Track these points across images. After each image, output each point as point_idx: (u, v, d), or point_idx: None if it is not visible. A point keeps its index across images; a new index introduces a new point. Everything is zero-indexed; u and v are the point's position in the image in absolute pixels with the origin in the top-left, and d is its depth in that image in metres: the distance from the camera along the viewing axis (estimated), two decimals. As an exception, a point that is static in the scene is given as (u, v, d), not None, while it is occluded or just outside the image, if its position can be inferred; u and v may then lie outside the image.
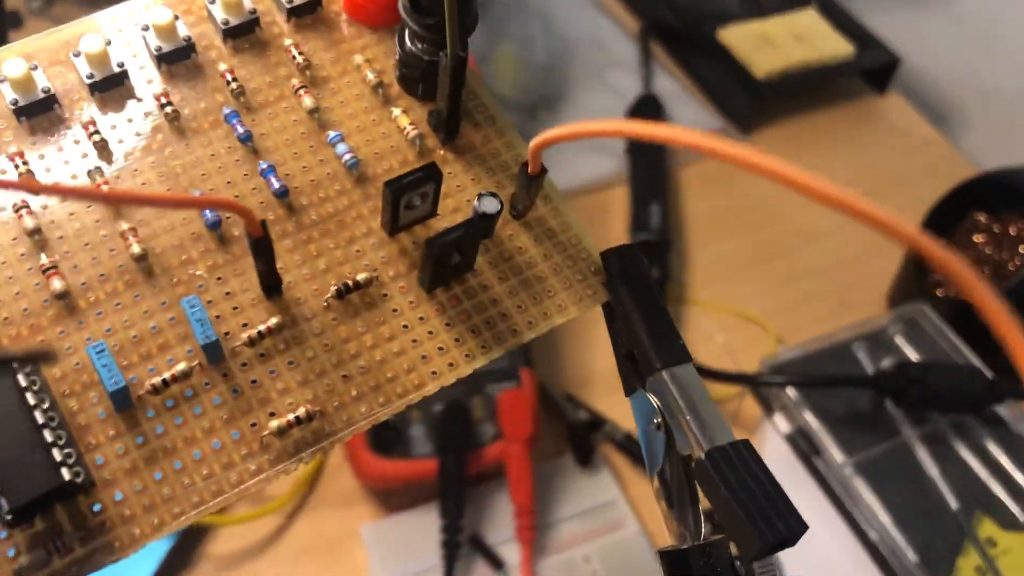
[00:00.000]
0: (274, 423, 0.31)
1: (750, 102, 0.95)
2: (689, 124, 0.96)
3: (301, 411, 0.31)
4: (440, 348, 0.33)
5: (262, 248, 0.30)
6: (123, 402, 0.30)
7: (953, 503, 0.69)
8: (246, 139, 0.35)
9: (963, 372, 0.72)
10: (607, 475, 0.72)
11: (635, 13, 1.05)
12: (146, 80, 0.36)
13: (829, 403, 0.73)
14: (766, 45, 0.98)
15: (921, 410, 0.72)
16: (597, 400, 0.75)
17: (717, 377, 0.74)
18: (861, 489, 0.69)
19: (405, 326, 0.33)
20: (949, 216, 0.83)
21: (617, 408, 0.75)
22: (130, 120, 0.35)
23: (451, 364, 0.33)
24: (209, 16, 0.37)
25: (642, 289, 0.34)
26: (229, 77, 0.36)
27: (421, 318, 0.33)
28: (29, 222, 0.32)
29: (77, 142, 0.34)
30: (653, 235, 0.85)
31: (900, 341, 0.77)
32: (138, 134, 0.35)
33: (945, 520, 0.69)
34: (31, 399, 0.29)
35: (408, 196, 0.32)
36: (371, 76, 0.37)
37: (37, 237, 0.32)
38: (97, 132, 0.34)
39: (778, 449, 0.74)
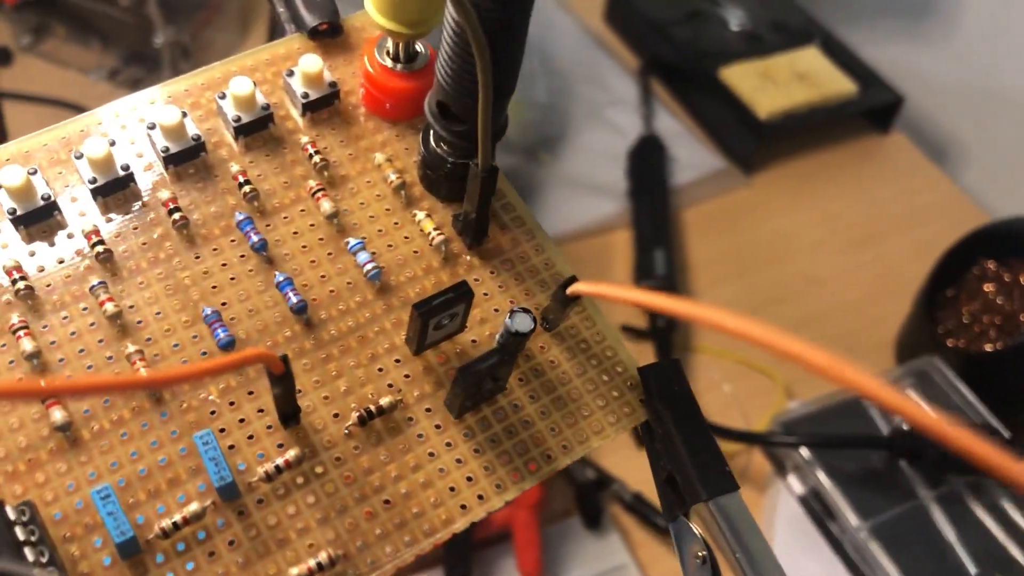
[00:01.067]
0: (294, 571, 0.28)
1: (753, 143, 0.94)
2: (691, 164, 0.94)
3: (323, 555, 0.29)
4: (469, 478, 0.31)
5: (283, 384, 0.28)
6: (131, 550, 0.28)
7: (971, 567, 0.67)
8: (260, 248, 0.32)
9: (979, 432, 0.70)
10: (616, 537, 0.70)
11: (635, 50, 1.03)
12: (152, 182, 0.33)
13: (843, 463, 0.71)
14: (768, 84, 0.97)
15: (937, 471, 0.70)
16: (604, 457, 0.73)
17: (729, 435, 0.72)
18: (877, 553, 0.68)
19: (431, 454, 0.31)
20: (959, 264, 0.82)
21: (625, 465, 0.73)
22: (136, 228, 0.33)
23: (481, 497, 0.31)
24: (219, 111, 0.35)
25: (685, 409, 0.32)
26: (241, 179, 0.34)
27: (448, 444, 0.31)
28: (28, 344, 0.30)
29: (79, 253, 0.32)
30: (659, 282, 0.83)
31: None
32: (144, 244, 0.32)
33: (963, 585, 0.67)
34: (21, 536, 0.27)
35: (437, 318, 0.30)
36: (393, 176, 0.34)
37: (36, 361, 0.30)
38: (100, 242, 0.32)
39: (791, 510, 0.72)
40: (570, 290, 0.30)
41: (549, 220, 0.88)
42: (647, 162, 0.92)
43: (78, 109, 0.85)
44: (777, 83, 0.97)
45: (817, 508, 0.71)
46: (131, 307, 0.31)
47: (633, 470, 0.73)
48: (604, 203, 0.91)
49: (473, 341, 0.33)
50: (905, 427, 0.71)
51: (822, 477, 0.70)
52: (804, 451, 0.71)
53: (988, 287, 0.81)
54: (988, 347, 0.78)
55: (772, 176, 0.95)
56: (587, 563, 0.69)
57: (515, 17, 0.28)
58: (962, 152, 1.03)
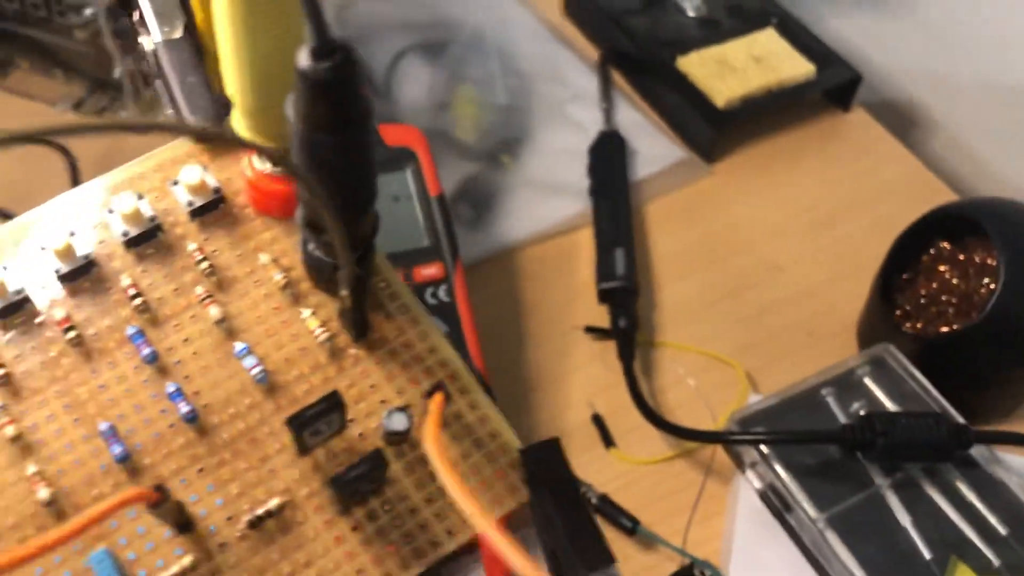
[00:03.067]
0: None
1: (712, 132, 0.94)
2: (652, 157, 0.94)
3: (217, 659, 0.31)
4: (359, 572, 0.33)
5: (166, 507, 0.30)
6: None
7: (926, 552, 0.69)
8: (152, 360, 0.34)
9: (930, 420, 0.71)
10: (582, 542, 0.72)
11: (594, 42, 1.03)
12: (49, 300, 0.35)
13: (800, 456, 0.73)
14: (726, 71, 0.97)
15: (890, 461, 0.72)
16: (571, 459, 0.75)
17: (685, 435, 0.73)
18: (834, 543, 0.69)
19: (323, 550, 0.33)
20: (915, 246, 0.82)
21: (592, 466, 0.75)
22: (34, 347, 0.34)
23: (370, 588, 0.32)
24: (108, 227, 0.36)
25: (563, 488, 0.34)
26: (132, 292, 0.35)
27: (337, 538, 0.33)
28: (-66, 474, 0.32)
29: (-21, 379, 0.34)
30: (619, 282, 0.84)
31: (869, 383, 0.77)
32: (43, 364, 0.34)
33: (919, 570, 0.69)
34: None
35: (312, 427, 0.32)
36: (278, 276, 0.36)
37: (-57, 490, 0.32)
38: (1, 366, 0.34)
39: (752, 504, 0.74)
40: (433, 399, 0.32)
41: (512, 225, 0.89)
42: (606, 159, 0.92)
43: (46, 142, 0.86)
44: (735, 69, 0.97)
45: (776, 501, 0.73)
46: (31, 426, 0.33)
47: (600, 472, 0.75)
48: (567, 203, 0.91)
49: (360, 435, 0.35)
50: (858, 415, 0.72)
51: (780, 471, 0.72)
52: (761, 447, 0.72)
53: (943, 268, 0.82)
54: (944, 329, 0.79)
55: (733, 163, 0.96)
56: (555, 569, 0.70)
57: (349, 140, 0.29)
58: (927, 125, 1.03)
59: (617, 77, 1.00)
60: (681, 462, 0.76)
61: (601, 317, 0.85)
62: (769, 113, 0.98)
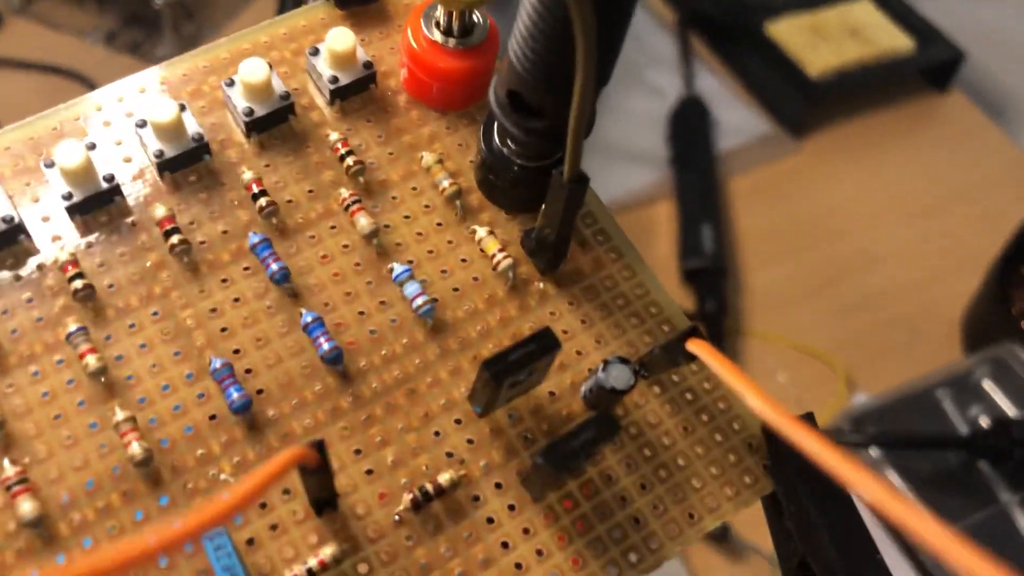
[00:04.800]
0: None
1: (803, 104, 0.86)
2: (735, 129, 0.86)
3: None
4: (553, 575, 0.24)
5: (318, 474, 0.21)
6: None
7: (1060, 579, 0.61)
8: (282, 279, 0.26)
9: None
10: (675, 560, 0.64)
11: (672, 3, 0.95)
12: (144, 196, 0.26)
13: (916, 463, 0.65)
14: (819, 40, 0.89)
15: (1021, 472, 0.64)
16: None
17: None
18: (957, 565, 0.61)
19: (505, 544, 0.24)
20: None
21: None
22: (123, 255, 0.26)
23: (570, 599, 0.24)
24: (226, 102, 0.27)
25: (826, 481, 0.25)
26: (256, 189, 0.26)
27: (526, 531, 0.24)
28: (-13, 413, 0.23)
29: (53, 290, 0.25)
30: (706, 261, 0.76)
31: (989, 386, 0.69)
32: (135, 275, 0.25)
33: (1051, 598, 0.61)
34: None
35: (514, 377, 0.23)
36: (445, 182, 0.27)
37: (-2, 435, 0.23)
38: (79, 275, 0.25)
39: (862, 515, 0.65)
40: (691, 348, 0.23)
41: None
42: (690, 127, 0.84)
43: (73, 75, 0.77)
44: (828, 39, 0.89)
45: (890, 514, 0.64)
46: (119, 358, 0.25)
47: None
48: (644, 172, 0.83)
49: (552, 394, 0.26)
50: (986, 424, 0.64)
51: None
52: (873, 450, 0.64)
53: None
54: (1072, 330, 0.71)
55: (822, 141, 0.88)
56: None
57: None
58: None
59: (696, 43, 0.92)
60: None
61: (681, 297, 0.77)
62: (862, 89, 0.89)
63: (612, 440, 0.23)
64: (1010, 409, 0.67)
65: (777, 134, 0.87)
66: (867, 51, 0.88)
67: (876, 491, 0.16)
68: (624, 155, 0.84)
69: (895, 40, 0.89)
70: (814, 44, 0.88)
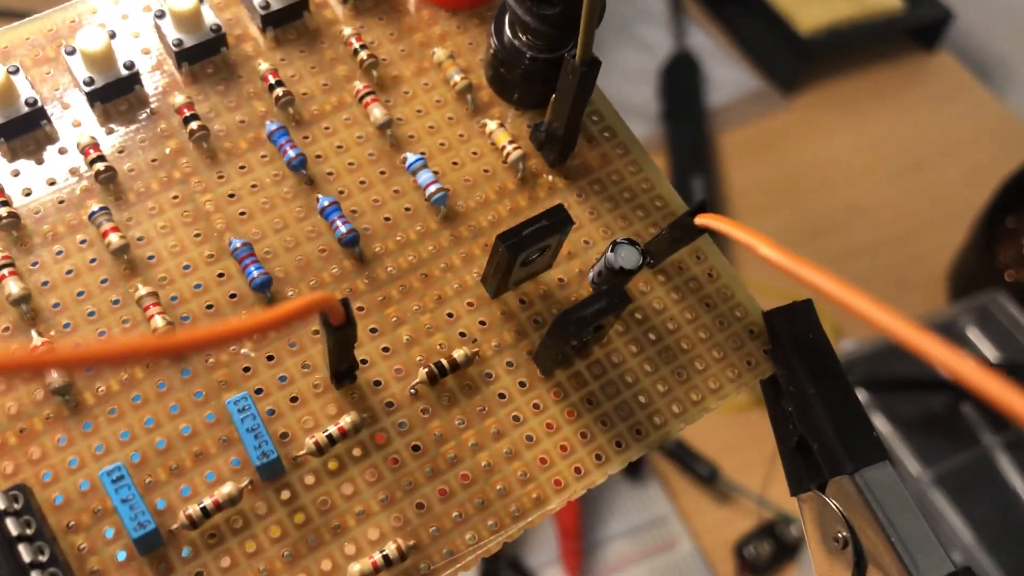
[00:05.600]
0: (355, 566, 0.23)
1: (794, 60, 0.87)
2: (725, 85, 0.87)
3: (390, 547, 0.23)
4: (563, 448, 0.25)
5: (343, 336, 0.22)
6: (151, 543, 0.22)
7: (1042, 517, 0.62)
8: (299, 165, 0.26)
9: (1054, 373, 0.65)
10: (657, 487, 0.65)
11: (665, -40, 0.95)
12: (163, 85, 0.27)
13: (901, 406, 0.66)
14: (810, -2, 0.89)
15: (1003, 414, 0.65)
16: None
17: (777, 377, 0.66)
18: (940, 503, 0.63)
19: (516, 418, 0.25)
20: (1021, 191, 0.76)
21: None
22: (143, 140, 0.26)
23: (578, 470, 0.25)
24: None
25: (822, 362, 0.26)
26: (272, 80, 0.27)
27: (536, 406, 0.25)
28: (14, 286, 0.24)
29: (75, 172, 0.26)
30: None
31: (973, 334, 0.70)
32: (154, 160, 0.26)
33: (1032, 537, 0.62)
34: (13, 530, 0.21)
35: (527, 253, 0.24)
36: (456, 78, 0.28)
37: (25, 307, 0.24)
38: (100, 158, 0.25)
39: (845, 457, 0.67)
40: (700, 221, 0.24)
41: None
42: (681, 82, 0.85)
43: None
44: (819, -3, 0.90)
45: (875, 455, 0.66)
46: (140, 239, 0.25)
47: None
48: (634, 126, 0.83)
49: (560, 280, 0.27)
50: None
51: (879, 421, 0.65)
52: (860, 394, 0.66)
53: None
54: (1056, 281, 0.73)
55: (812, 98, 0.89)
56: (627, 514, 0.64)
57: None
58: (1012, 73, 0.96)
59: (687, 1, 0.92)
60: (760, 411, 0.69)
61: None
62: (852, 48, 0.90)
63: (621, 311, 0.24)
64: (993, 355, 0.69)
65: (767, 90, 0.87)
66: (857, 10, 0.89)
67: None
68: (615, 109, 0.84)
69: (885, 0, 0.90)
70: (805, 2, 0.89)
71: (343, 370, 0.24)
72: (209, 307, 0.25)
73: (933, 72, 0.92)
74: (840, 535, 0.26)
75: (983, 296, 0.71)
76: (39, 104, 0.25)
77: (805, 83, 0.88)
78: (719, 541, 0.64)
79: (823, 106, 0.88)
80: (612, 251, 0.25)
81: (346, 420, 0.24)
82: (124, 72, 0.26)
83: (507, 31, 0.27)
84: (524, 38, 0.27)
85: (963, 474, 0.64)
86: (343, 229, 0.25)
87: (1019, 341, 0.69)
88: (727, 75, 0.88)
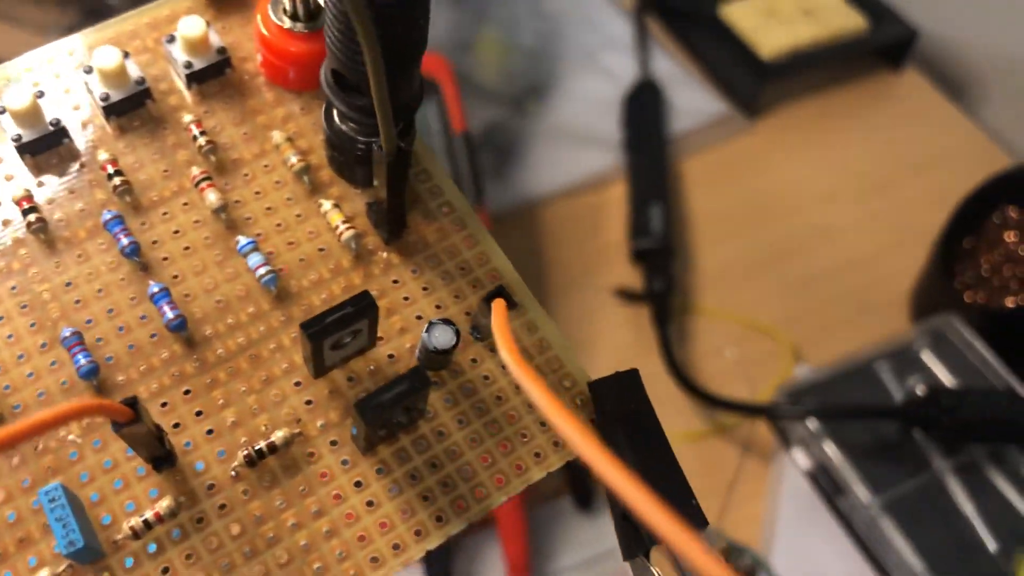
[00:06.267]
0: (165, 650, 0.23)
1: (756, 84, 0.87)
2: (690, 110, 0.88)
3: (201, 629, 0.24)
4: (382, 525, 0.26)
5: (138, 433, 0.23)
6: (-35, 632, 0.23)
7: (991, 543, 0.62)
8: (132, 253, 0.27)
9: (1002, 398, 0.65)
10: (609, 519, 0.65)
11: (629, -13, 0.96)
12: (4, 176, 0.28)
13: (852, 434, 0.66)
14: (773, 21, 0.90)
15: (955, 441, 0.65)
16: (595, 432, 0.68)
17: (730, 407, 0.67)
18: (889, 531, 0.63)
19: (337, 496, 0.26)
20: (979, 210, 0.76)
21: (618, 440, 0.68)
22: (-23, 237, 0.27)
23: (396, 546, 0.25)
24: (88, 90, 0.29)
25: (646, 433, 0.27)
26: (111, 169, 0.28)
27: (357, 484, 0.26)
28: None
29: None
30: (654, 242, 0.77)
31: (927, 358, 0.70)
32: (-7, 253, 0.27)
33: (983, 563, 0.62)
34: None
35: (334, 338, 0.25)
36: (294, 159, 0.29)
37: None
38: (-60, 252, 0.27)
39: (797, 486, 0.67)
40: (493, 305, 0.25)
41: (537, 177, 0.82)
42: (643, 110, 0.85)
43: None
44: (782, 20, 0.90)
45: (825, 483, 0.66)
46: (-26, 329, 0.26)
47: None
48: (597, 155, 0.84)
49: (390, 356, 0.27)
50: (920, 393, 0.66)
51: (830, 449, 0.65)
52: (811, 422, 0.66)
53: (1010, 236, 0.75)
54: (1010, 302, 0.72)
55: (777, 121, 0.89)
56: (578, 547, 0.64)
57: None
58: (980, 90, 0.96)
59: (653, 26, 0.93)
60: (717, 439, 0.70)
61: (633, 279, 0.79)
62: (817, 69, 0.90)
63: (425, 393, 0.24)
64: (947, 379, 0.69)
65: (732, 114, 0.88)
66: (821, 31, 0.89)
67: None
68: (579, 139, 0.85)
69: (849, 20, 0.91)
70: (768, 26, 0.89)
71: (160, 455, 0.25)
72: (40, 395, 0.26)
73: (901, 90, 0.92)
74: (662, 602, 0.26)
75: (939, 319, 0.71)
76: None
77: (769, 106, 0.89)
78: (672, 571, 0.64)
79: (788, 128, 0.89)
80: (427, 332, 0.26)
81: (162, 505, 0.25)
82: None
83: (336, 119, 0.28)
84: (350, 125, 0.27)
85: (913, 500, 0.64)
86: (170, 315, 0.26)
87: (972, 364, 0.69)
88: (691, 100, 0.89)
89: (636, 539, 0.27)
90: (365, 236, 0.29)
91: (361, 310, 0.25)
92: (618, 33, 0.93)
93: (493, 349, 0.28)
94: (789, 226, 0.82)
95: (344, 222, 0.28)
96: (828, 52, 0.89)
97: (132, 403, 0.22)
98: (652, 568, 0.26)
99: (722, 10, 0.90)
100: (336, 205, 0.29)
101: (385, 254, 0.29)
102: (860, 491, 0.64)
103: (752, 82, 0.87)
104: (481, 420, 0.27)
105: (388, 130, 0.24)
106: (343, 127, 0.28)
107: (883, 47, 0.92)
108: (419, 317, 0.28)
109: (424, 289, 0.28)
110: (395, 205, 0.27)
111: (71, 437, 0.25)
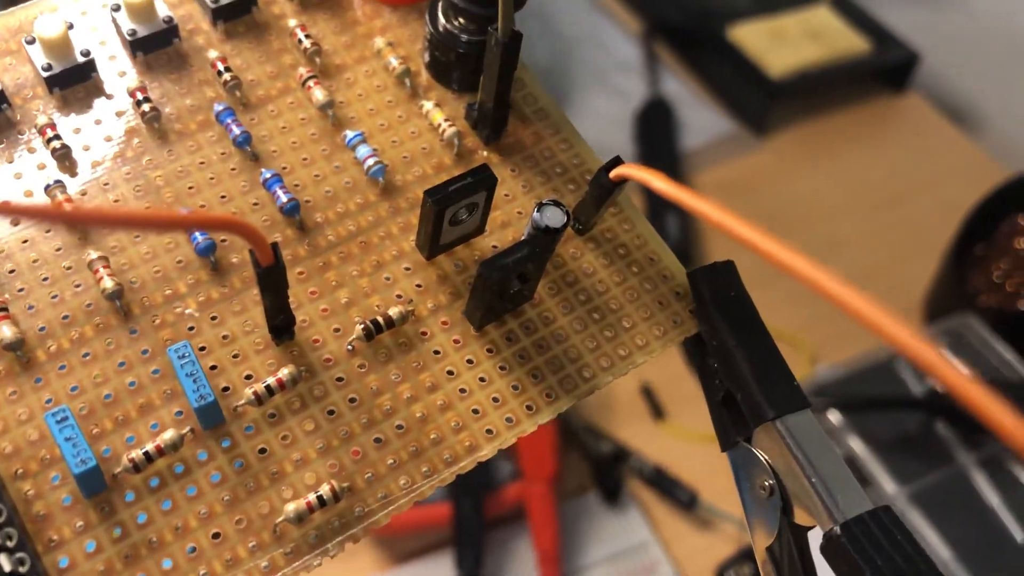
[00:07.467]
0: (291, 506, 0.24)
1: (765, 104, 0.89)
2: (700, 128, 0.89)
3: (324, 489, 0.24)
4: (495, 399, 0.26)
5: (273, 280, 0.23)
6: (94, 485, 0.23)
7: (1017, 533, 0.63)
8: (243, 142, 0.28)
9: (1022, 389, 0.66)
10: (636, 513, 0.65)
11: (637, 12, 0.98)
12: (118, 72, 0.29)
13: (876, 427, 0.67)
14: (779, 43, 0.92)
15: (977, 432, 0.66)
16: (620, 428, 0.69)
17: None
18: (918, 522, 0.63)
19: (450, 372, 0.26)
20: (988, 220, 0.77)
21: (642, 438, 0.68)
22: (98, 122, 0.28)
23: (509, 420, 0.26)
24: (194, -5, 0.30)
25: (743, 317, 0.27)
26: (221, 67, 0.29)
27: (469, 361, 0.26)
28: (-27, 255, 0.25)
29: (32, 151, 0.27)
30: (671, 248, 0.78)
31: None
32: (109, 139, 0.28)
33: (1011, 553, 0.62)
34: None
35: (454, 209, 0.25)
36: (395, 63, 0.30)
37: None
38: (57, 137, 0.27)
39: (822, 479, 0.67)
40: (614, 173, 0.25)
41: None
42: (655, 126, 0.87)
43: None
44: (788, 42, 0.93)
45: (852, 475, 0.66)
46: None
47: (651, 443, 0.69)
48: (610, 167, 0.86)
49: (495, 247, 0.28)
50: (940, 388, 0.67)
51: (855, 443, 0.66)
52: (835, 415, 0.66)
53: (1020, 243, 0.77)
54: (1022, 305, 0.74)
55: (785, 139, 0.91)
56: (606, 540, 0.64)
57: None
58: (979, 112, 0.98)
59: (660, 49, 0.95)
60: (739, 437, 0.70)
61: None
62: (822, 90, 0.93)
63: (546, 258, 0.25)
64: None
65: (741, 132, 0.90)
66: (825, 53, 0.92)
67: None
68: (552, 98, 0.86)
69: (852, 43, 0.93)
70: (774, 47, 0.92)
71: (280, 324, 0.25)
72: (157, 272, 0.26)
73: (903, 112, 0.95)
74: (766, 484, 0.27)
75: (956, 319, 0.72)
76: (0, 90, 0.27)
77: (777, 125, 0.91)
78: (700, 567, 0.64)
79: (796, 147, 0.90)
80: (538, 211, 0.26)
81: (284, 372, 0.25)
82: (80, 59, 0.28)
83: (440, 16, 0.29)
84: (456, 21, 0.28)
85: (939, 492, 0.64)
86: (284, 198, 0.27)
87: (990, 362, 0.70)
88: (701, 119, 0.90)
89: (737, 425, 0.27)
90: (465, 136, 0.29)
91: (481, 180, 0.25)
92: (628, 55, 0.95)
93: (594, 242, 0.29)
94: (802, 238, 0.84)
95: (446, 120, 0.29)
96: (833, 73, 0.91)
97: (275, 247, 0.22)
98: (755, 451, 0.27)
99: (729, 32, 0.92)
100: (437, 105, 0.29)
101: (485, 152, 0.29)
102: (886, 483, 0.64)
103: (761, 101, 0.89)
104: (584, 307, 0.28)
105: (508, 9, 0.25)
106: (448, 25, 0.29)
107: (886, 69, 0.94)
108: (520, 213, 0.29)
109: (523, 187, 0.29)
110: (501, 101, 0.28)
111: (188, 311, 0.26)
